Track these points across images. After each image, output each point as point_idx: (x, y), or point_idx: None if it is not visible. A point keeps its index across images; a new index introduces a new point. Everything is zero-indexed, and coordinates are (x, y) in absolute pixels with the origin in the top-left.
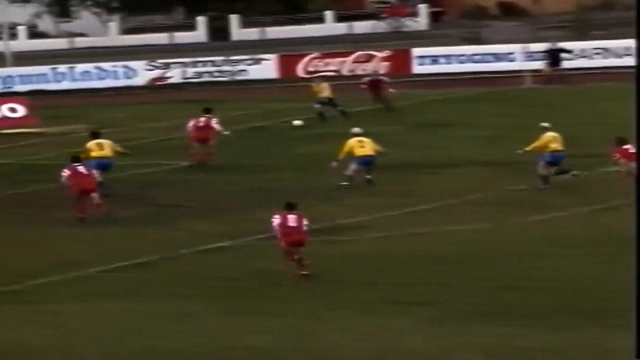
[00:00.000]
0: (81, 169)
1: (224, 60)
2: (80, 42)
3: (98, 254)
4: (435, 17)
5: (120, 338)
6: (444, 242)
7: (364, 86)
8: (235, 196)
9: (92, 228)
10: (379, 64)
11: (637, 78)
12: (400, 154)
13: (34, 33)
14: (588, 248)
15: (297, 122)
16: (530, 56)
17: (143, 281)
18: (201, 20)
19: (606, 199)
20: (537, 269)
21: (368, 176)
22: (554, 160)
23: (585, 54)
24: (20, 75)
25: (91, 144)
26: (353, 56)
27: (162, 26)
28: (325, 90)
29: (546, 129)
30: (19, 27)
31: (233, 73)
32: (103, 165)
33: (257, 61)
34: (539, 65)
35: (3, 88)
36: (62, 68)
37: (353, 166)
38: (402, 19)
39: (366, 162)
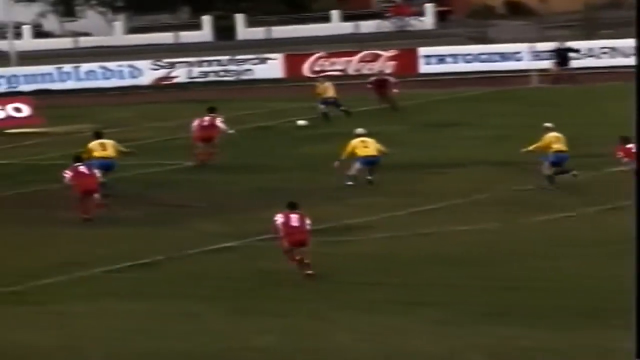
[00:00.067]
0: (82, 169)
1: (230, 59)
2: (85, 41)
3: (102, 254)
4: (441, 16)
5: (124, 338)
6: (449, 242)
7: (370, 86)
8: (241, 196)
9: (97, 228)
10: (385, 63)
11: (637, 78)
12: (406, 153)
13: (39, 32)
14: (595, 248)
15: (301, 122)
16: (537, 55)
17: (148, 281)
18: (207, 20)
19: (613, 199)
20: (544, 270)
21: (369, 177)
22: (558, 160)
23: (593, 53)
24: (25, 75)
25: (94, 144)
26: (359, 56)
27: (167, 25)
28: (328, 90)
29: (549, 129)
30: (24, 27)
31: (239, 72)
32: (106, 165)
33: (263, 60)
34: (546, 64)
35: (8, 87)
36: (67, 67)
37: (357, 166)
38: (407, 18)
39: (370, 162)
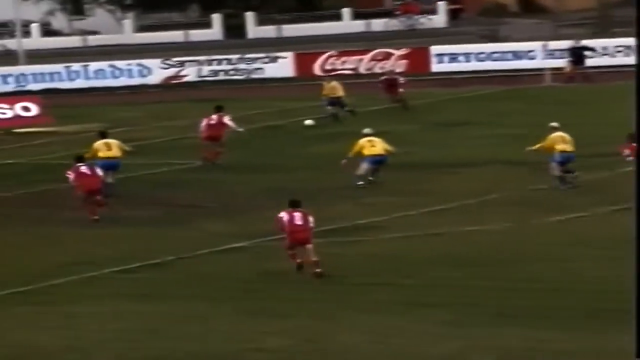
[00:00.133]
0: (84, 169)
1: (240, 58)
2: (94, 40)
3: (111, 255)
4: (453, 15)
5: (133, 340)
6: (460, 242)
7: (380, 85)
8: (250, 196)
9: (105, 228)
10: (396, 62)
11: (637, 78)
12: (417, 153)
13: (47, 31)
14: (608, 249)
15: (308, 122)
16: (550, 54)
17: (156, 282)
18: (217, 18)
19: (627, 198)
20: (556, 271)
21: (371, 177)
22: (564, 160)
23: (607, 51)
24: (34, 74)
25: (99, 143)
26: (370, 54)
27: (177, 24)
28: (336, 90)
29: (554, 129)
30: (32, 25)
31: (249, 71)
32: (111, 165)
33: (274, 59)
34: (559, 63)
35: (16, 86)
36: (76, 66)
37: (364, 165)
38: (416, 17)
39: (377, 161)
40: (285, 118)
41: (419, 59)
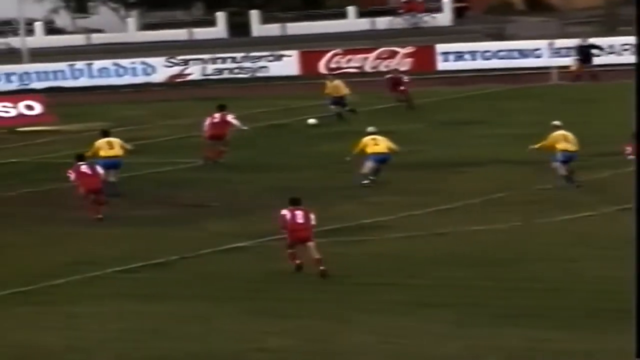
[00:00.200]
0: (85, 168)
1: (244, 56)
2: (97, 38)
3: (114, 254)
4: (459, 13)
5: (135, 340)
6: (468, 242)
7: (386, 83)
8: (254, 195)
9: (108, 228)
10: (402, 60)
11: (637, 77)
12: (423, 152)
13: (51, 29)
14: (616, 248)
15: (311, 121)
16: (557, 52)
17: (160, 282)
18: (221, 16)
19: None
20: (560, 270)
21: (372, 177)
22: (567, 159)
23: (614, 50)
24: (37, 72)
25: (101, 142)
26: (376, 53)
27: (181, 22)
28: (339, 89)
29: (557, 127)
30: (36, 23)
31: (253, 70)
32: (113, 164)
33: (278, 57)
34: (566, 61)
35: (19, 85)
36: (80, 65)
37: (369, 164)
38: (420, 15)
39: (380, 159)
40: (290, 117)
41: (424, 58)
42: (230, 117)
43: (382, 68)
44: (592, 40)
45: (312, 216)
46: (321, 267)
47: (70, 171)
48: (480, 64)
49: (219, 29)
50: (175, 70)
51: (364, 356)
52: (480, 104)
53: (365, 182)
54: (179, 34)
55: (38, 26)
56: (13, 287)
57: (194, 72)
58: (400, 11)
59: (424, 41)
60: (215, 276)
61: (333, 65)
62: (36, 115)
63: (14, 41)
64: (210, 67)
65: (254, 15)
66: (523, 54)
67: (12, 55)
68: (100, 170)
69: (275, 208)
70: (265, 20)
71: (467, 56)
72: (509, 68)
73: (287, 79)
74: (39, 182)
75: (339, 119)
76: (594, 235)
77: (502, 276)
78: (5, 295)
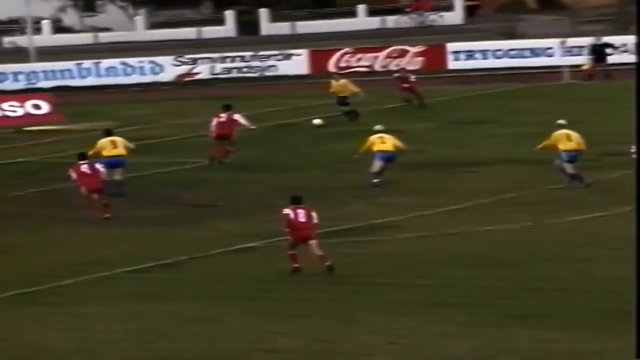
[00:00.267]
0: (85, 168)
1: (253, 55)
2: (105, 37)
3: (122, 255)
4: (470, 11)
5: (143, 341)
6: (479, 242)
7: (394, 82)
8: (262, 195)
9: (116, 228)
10: (412, 59)
11: (637, 77)
12: (433, 152)
13: (59, 27)
14: (623, 249)
15: (317, 121)
16: (569, 51)
17: (168, 282)
18: (230, 15)
19: None
20: (575, 271)
21: (376, 180)
22: (571, 159)
23: (627, 48)
24: (44, 71)
25: (104, 141)
26: (386, 52)
27: (189, 20)
28: (344, 89)
29: (561, 126)
30: (43, 22)
31: (262, 69)
32: (116, 163)
33: (287, 56)
34: (578, 60)
35: (27, 84)
36: (87, 64)
37: (377, 162)
38: (427, 14)
39: (386, 157)
40: (298, 116)
41: (435, 57)
42: (237, 117)
43: (393, 67)
44: (606, 39)
45: (314, 214)
46: (327, 263)
47: (70, 170)
48: (491, 63)
49: (228, 27)
50: (184, 69)
51: (374, 357)
52: (491, 103)
53: (376, 180)
54: (188, 32)
55: (45, 25)
56: (20, 287)
57: (202, 71)
58: (407, 10)
59: (434, 40)
60: (224, 276)
61: (343, 64)
62: (43, 115)
63: (21, 40)
64: (219, 66)
65: (263, 13)
66: (535, 52)
67: (19, 54)
68: (101, 169)
69: (282, 208)
70: (275, 18)
71: (478, 55)
72: (520, 67)
73: (297, 78)
74: (46, 182)
75: (350, 118)
76: (605, 236)
77: (513, 276)
78: (13, 295)
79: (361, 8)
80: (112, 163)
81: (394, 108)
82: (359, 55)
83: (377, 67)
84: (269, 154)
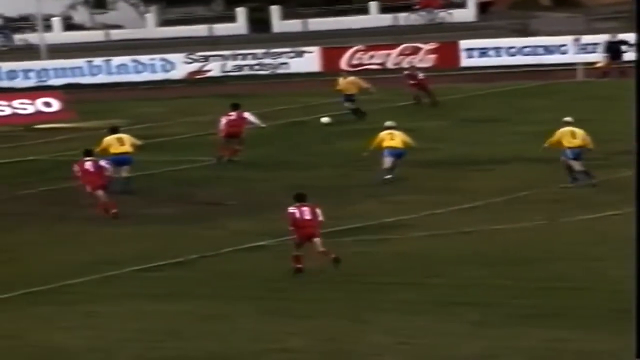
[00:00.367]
0: (88, 165)
1: (265, 53)
2: (116, 34)
3: (133, 253)
4: (483, 8)
5: (155, 340)
6: (490, 241)
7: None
8: (274, 194)
9: (127, 226)
10: (425, 56)
11: (637, 77)
12: (446, 150)
13: (69, 25)
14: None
15: (325, 120)
16: (583, 48)
17: (179, 281)
18: (241, 12)
19: None
20: (588, 269)
21: (388, 176)
22: (575, 156)
23: None
24: (55, 69)
25: (111, 139)
26: (398, 49)
27: (201, 18)
28: (350, 87)
29: (567, 124)
30: (54, 19)
31: (274, 66)
32: (123, 160)
33: (299, 54)
34: (592, 57)
35: (37, 82)
36: (98, 61)
37: (386, 159)
38: (436, 11)
39: (394, 154)
40: (310, 114)
41: (448, 54)
42: (247, 115)
43: (405, 65)
44: (622, 36)
45: (319, 211)
46: (332, 256)
47: (75, 165)
48: (504, 60)
49: (239, 24)
50: (195, 66)
51: (385, 356)
52: (504, 100)
53: (388, 177)
54: (199, 30)
55: (56, 22)
56: (32, 286)
57: (214, 68)
58: (416, 7)
59: (447, 37)
60: (235, 275)
61: (355, 62)
62: (54, 112)
63: (32, 37)
64: (230, 64)
65: (275, 11)
66: (548, 50)
67: (30, 52)
68: (106, 165)
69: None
70: (286, 16)
71: (491, 52)
72: (533, 65)
73: (308, 75)
74: (57, 180)
75: (357, 116)
76: (617, 234)
77: (525, 275)
78: (24, 294)
79: (373, 5)
80: (120, 160)
81: (406, 106)
82: (371, 53)
83: (390, 65)
84: (280, 152)
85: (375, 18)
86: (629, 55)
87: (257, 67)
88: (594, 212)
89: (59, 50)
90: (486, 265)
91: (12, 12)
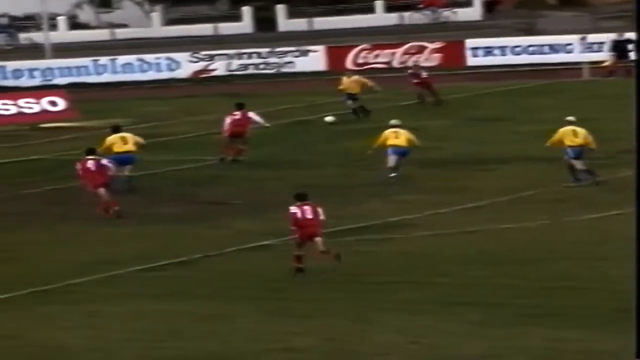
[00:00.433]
0: (90, 164)
1: (270, 52)
2: (121, 33)
3: (136, 253)
4: (489, 7)
5: (156, 340)
6: (495, 241)
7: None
8: (278, 193)
9: (130, 226)
10: (431, 55)
11: (637, 76)
12: (451, 149)
13: (75, 24)
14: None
15: (329, 119)
16: (589, 47)
17: (182, 281)
18: (246, 11)
19: None
20: (592, 269)
21: (392, 174)
22: (575, 155)
23: None
24: (60, 68)
25: (114, 137)
26: (404, 48)
27: (206, 17)
28: (353, 86)
29: (569, 123)
30: (59, 18)
31: (279, 65)
32: (126, 159)
33: (305, 53)
34: (598, 56)
35: (42, 81)
36: (103, 60)
37: (390, 157)
38: (440, 10)
39: (398, 152)
40: (315, 113)
41: (453, 53)
42: (252, 114)
43: (411, 64)
44: (628, 35)
45: (320, 210)
46: (333, 252)
47: (77, 163)
48: (510, 59)
49: (245, 23)
50: (200, 65)
51: (389, 356)
52: (510, 99)
53: (392, 175)
54: (204, 29)
55: (61, 21)
56: (33, 286)
57: (219, 67)
58: (420, 6)
59: (453, 36)
60: (239, 275)
61: (360, 61)
62: (59, 111)
63: (37, 36)
64: (236, 63)
65: (280, 9)
66: (554, 49)
67: (35, 51)
68: (109, 164)
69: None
70: (292, 14)
71: (497, 51)
72: (539, 63)
73: (313, 74)
74: (61, 180)
75: (366, 114)
76: (621, 234)
77: (529, 275)
78: (26, 294)
79: (379, 4)
80: (123, 159)
81: (410, 105)
82: (376, 52)
83: (395, 64)
84: (285, 151)
85: (380, 17)
86: (634, 54)
87: (262, 66)
88: (598, 211)
89: (64, 49)
90: (490, 265)
91: (18, 11)
